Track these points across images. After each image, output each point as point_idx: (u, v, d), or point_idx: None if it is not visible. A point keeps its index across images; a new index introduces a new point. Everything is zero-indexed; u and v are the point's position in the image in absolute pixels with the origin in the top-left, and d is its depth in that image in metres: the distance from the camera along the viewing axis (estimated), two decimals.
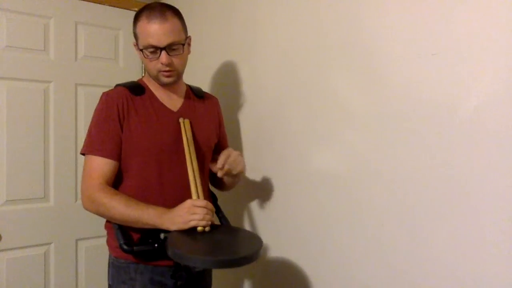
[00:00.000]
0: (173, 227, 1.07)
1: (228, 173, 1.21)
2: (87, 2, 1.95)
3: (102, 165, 1.16)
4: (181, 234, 1.05)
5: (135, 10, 2.08)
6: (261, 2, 1.48)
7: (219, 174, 1.20)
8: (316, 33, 1.27)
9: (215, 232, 1.09)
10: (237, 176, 1.30)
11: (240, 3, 1.60)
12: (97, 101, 1.24)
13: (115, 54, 2.05)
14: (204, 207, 1.08)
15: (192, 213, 1.06)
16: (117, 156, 1.18)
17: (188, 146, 1.20)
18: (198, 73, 1.78)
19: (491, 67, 0.86)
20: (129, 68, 2.09)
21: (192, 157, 1.19)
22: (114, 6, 2.04)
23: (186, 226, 1.06)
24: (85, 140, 1.20)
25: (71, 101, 1.91)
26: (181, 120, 1.25)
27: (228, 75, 1.67)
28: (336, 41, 1.21)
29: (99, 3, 1.99)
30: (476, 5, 0.88)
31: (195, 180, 1.16)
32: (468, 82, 0.90)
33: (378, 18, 1.09)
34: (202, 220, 1.06)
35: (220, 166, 1.18)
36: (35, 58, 1.81)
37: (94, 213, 1.16)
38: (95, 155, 1.16)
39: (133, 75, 2.07)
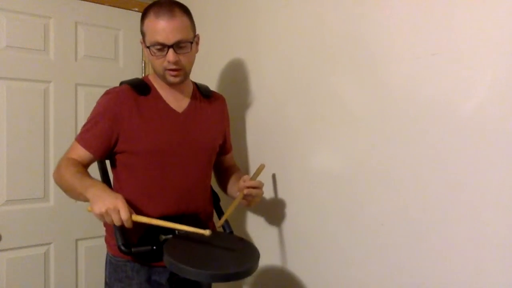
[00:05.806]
0: (92, 207, 1.01)
1: (246, 197, 1.19)
2: (87, 2, 1.95)
3: (82, 155, 1.19)
4: (179, 240, 1.04)
5: (135, 10, 2.08)
6: (264, 1, 1.49)
7: (242, 189, 1.18)
8: (317, 33, 1.27)
9: (214, 241, 1.08)
10: (242, 203, 1.24)
11: (243, 2, 1.60)
12: (97, 101, 1.24)
13: (115, 54, 2.05)
14: (122, 219, 0.99)
15: (112, 210, 0.99)
16: (100, 153, 1.20)
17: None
18: (199, 72, 1.78)
19: (491, 67, 0.86)
20: (129, 68, 2.09)
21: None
22: (114, 6, 2.04)
23: (97, 214, 1.01)
24: (81, 128, 1.22)
25: (71, 101, 1.91)
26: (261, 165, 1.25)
27: (230, 74, 1.67)
28: (337, 42, 1.21)
29: (99, 3, 1.99)
30: (476, 5, 0.89)
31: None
32: (468, 82, 0.90)
33: (378, 17, 1.09)
34: (110, 220, 1.00)
35: (247, 187, 1.17)
36: (35, 58, 1.81)
37: (56, 182, 1.20)
38: (81, 145, 1.19)
39: (133, 75, 2.05)
